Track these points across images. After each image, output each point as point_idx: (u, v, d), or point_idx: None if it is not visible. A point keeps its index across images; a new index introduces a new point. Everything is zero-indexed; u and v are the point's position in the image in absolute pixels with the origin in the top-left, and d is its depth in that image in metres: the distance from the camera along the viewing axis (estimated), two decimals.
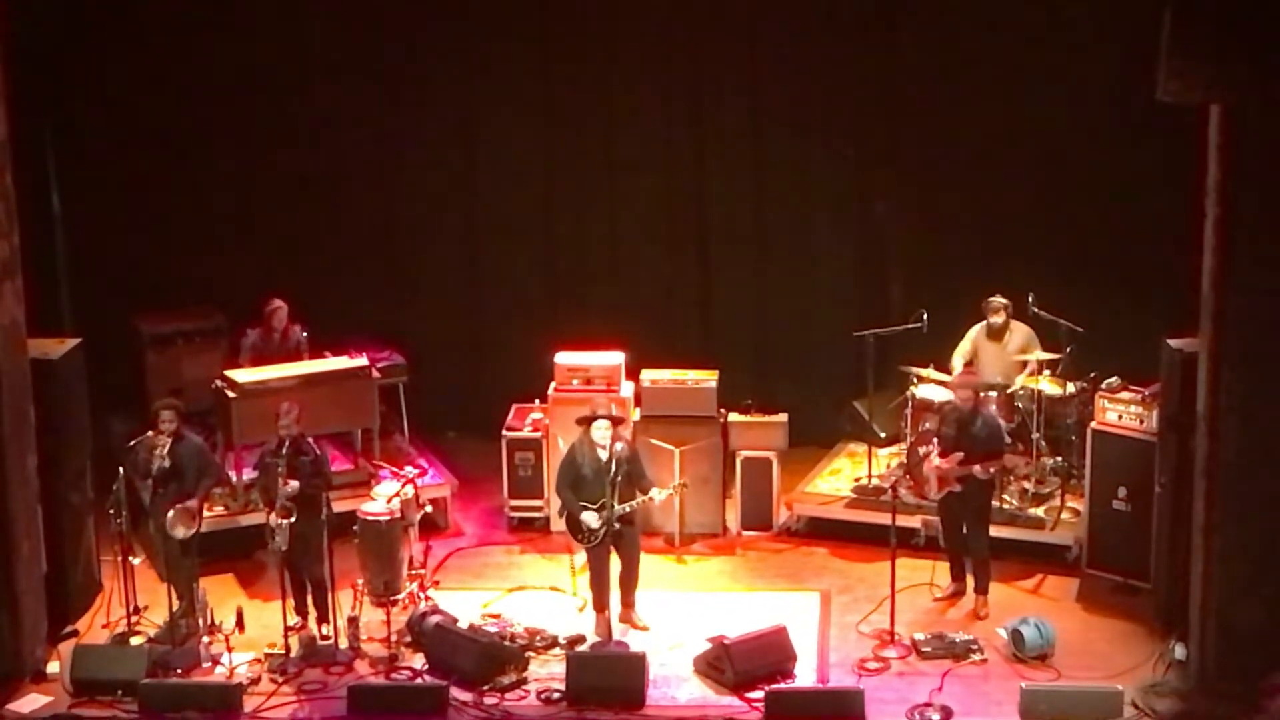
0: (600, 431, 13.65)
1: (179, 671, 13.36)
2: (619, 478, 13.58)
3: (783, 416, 15.74)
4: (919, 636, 13.69)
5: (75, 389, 14.12)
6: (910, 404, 15.47)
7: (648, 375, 15.71)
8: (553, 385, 15.72)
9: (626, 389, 15.65)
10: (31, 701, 13.11)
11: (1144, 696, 12.87)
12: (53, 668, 13.45)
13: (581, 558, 14.16)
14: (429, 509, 14.91)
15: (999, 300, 15.42)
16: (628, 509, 13.69)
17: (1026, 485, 15.20)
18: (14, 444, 13.23)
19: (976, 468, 13.88)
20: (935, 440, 14.38)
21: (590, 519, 13.60)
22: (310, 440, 13.76)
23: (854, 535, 15.34)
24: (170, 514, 13.51)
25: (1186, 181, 13.29)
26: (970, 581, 14.27)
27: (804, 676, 13.32)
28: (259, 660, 13.53)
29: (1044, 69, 16.00)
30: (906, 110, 16.56)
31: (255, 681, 13.30)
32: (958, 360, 15.51)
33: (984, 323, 15.55)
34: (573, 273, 17.37)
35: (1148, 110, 12.91)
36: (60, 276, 16.90)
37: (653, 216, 17.19)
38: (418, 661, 13.55)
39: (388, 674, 13.42)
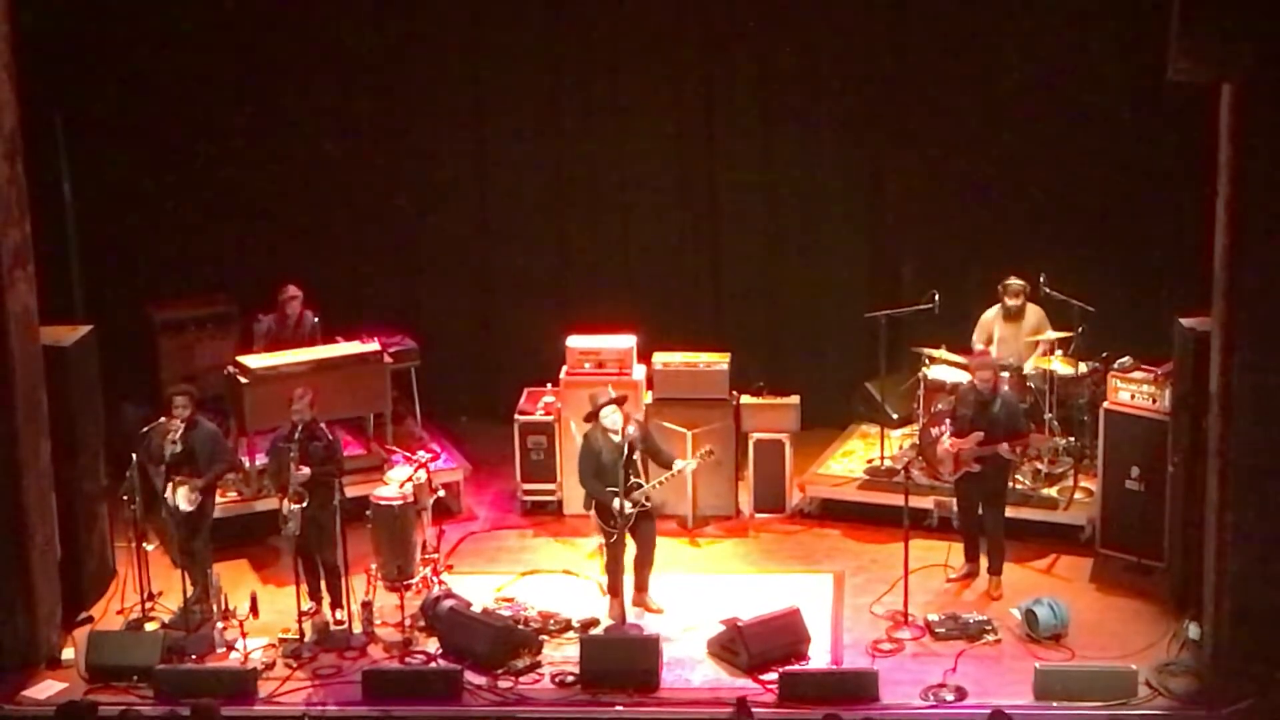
0: (611, 418, 13.64)
1: (193, 657, 13.39)
2: (636, 458, 13.60)
3: (795, 398, 15.73)
4: (933, 617, 13.69)
5: (88, 376, 14.14)
6: (922, 385, 15.46)
7: (660, 358, 15.70)
8: (564, 369, 15.71)
9: (638, 372, 15.65)
10: (47, 688, 13.14)
11: (1158, 676, 12.87)
12: (68, 654, 13.49)
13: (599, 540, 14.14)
14: (442, 493, 14.88)
15: (1016, 283, 15.33)
16: (658, 485, 13.72)
17: (1040, 465, 15.17)
18: (27, 431, 13.25)
19: (1004, 446, 13.87)
20: (949, 421, 14.38)
21: (622, 505, 13.58)
22: (323, 426, 13.76)
23: (867, 517, 15.33)
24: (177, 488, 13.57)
25: (1198, 160, 13.27)
26: (984, 562, 14.26)
27: (818, 658, 13.33)
28: (273, 645, 13.55)
29: (1055, 48, 15.96)
30: (918, 91, 16.51)
31: (270, 667, 13.32)
32: (980, 343, 15.47)
33: (999, 304, 15.50)
34: (584, 256, 17.32)
35: (1159, 89, 12.87)
36: (72, 264, 16.85)
37: (664, 199, 17.15)
38: (432, 646, 13.56)
39: (402, 658, 13.44)
